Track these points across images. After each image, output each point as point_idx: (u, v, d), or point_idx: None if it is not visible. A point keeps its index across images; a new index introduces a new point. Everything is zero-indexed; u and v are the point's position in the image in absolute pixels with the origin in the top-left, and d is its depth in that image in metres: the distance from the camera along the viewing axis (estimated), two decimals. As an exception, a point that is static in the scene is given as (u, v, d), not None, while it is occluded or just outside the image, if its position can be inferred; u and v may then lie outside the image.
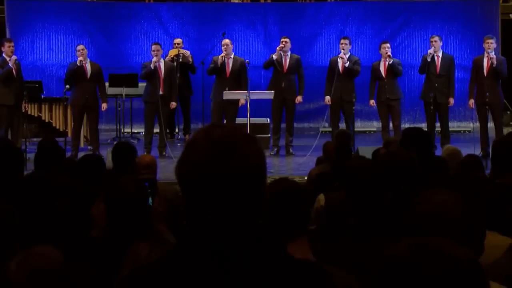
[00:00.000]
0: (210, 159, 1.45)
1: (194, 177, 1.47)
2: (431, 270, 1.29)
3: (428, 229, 1.84)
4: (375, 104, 11.06)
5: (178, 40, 12.46)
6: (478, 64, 10.55)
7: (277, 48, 10.98)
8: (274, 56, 10.93)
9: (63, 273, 2.34)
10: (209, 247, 1.47)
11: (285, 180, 2.71)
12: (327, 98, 10.96)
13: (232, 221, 1.47)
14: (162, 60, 11.04)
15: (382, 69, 10.93)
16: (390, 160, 3.81)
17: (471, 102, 10.56)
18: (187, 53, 12.18)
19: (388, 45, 11.04)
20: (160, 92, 10.81)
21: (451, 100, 10.82)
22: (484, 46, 10.56)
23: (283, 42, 10.98)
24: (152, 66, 10.76)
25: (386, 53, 10.84)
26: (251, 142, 1.51)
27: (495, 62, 10.29)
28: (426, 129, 10.56)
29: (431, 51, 10.90)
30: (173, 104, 11.06)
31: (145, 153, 10.70)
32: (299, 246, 2.44)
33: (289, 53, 11.06)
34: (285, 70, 10.99)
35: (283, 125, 11.22)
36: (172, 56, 11.86)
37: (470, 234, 1.92)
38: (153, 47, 11.01)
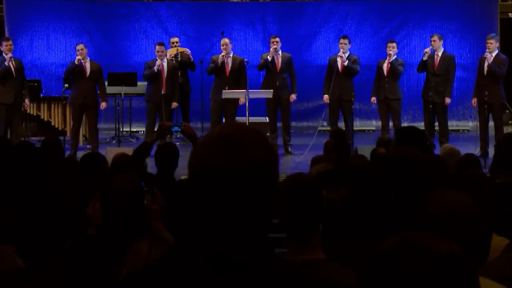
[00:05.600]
0: (215, 154, 1.46)
1: (199, 171, 1.48)
2: (412, 264, 1.31)
3: (443, 228, 1.84)
4: (375, 102, 11.09)
5: (175, 39, 12.43)
6: (481, 63, 10.56)
7: (271, 49, 10.99)
8: (269, 58, 10.95)
9: (24, 274, 2.34)
10: (206, 248, 1.47)
11: (300, 174, 2.68)
12: (325, 96, 10.98)
13: (233, 221, 1.46)
14: (165, 60, 11.04)
15: (385, 68, 10.95)
16: (399, 159, 3.78)
17: (474, 101, 10.55)
18: (188, 50, 12.18)
19: (393, 44, 11.04)
20: (162, 92, 10.82)
21: (447, 100, 10.81)
22: (486, 45, 10.60)
23: (275, 42, 11.01)
24: (155, 69, 10.78)
25: (391, 51, 10.87)
26: (259, 141, 1.50)
27: (489, 62, 10.29)
28: (424, 128, 10.59)
29: (427, 49, 10.92)
30: (174, 104, 11.08)
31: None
32: (311, 242, 2.44)
33: (280, 52, 11.09)
34: (278, 69, 11.04)
35: (279, 124, 11.25)
36: (172, 56, 11.83)
37: (482, 234, 1.92)
38: (157, 47, 10.99)
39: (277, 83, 10.94)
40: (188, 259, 1.49)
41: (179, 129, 4.71)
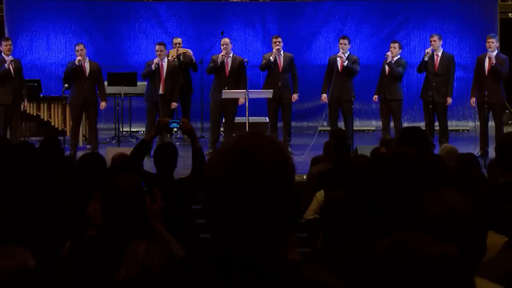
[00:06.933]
0: (229, 171, 1.46)
1: (213, 187, 1.49)
2: (405, 266, 1.32)
3: (441, 229, 1.84)
4: (377, 100, 11.10)
5: (178, 40, 12.43)
6: (480, 63, 10.55)
7: (274, 50, 10.99)
8: (271, 58, 10.95)
9: (32, 273, 2.34)
10: (219, 257, 1.49)
11: None
12: (324, 96, 10.98)
13: (246, 231, 1.47)
14: (165, 60, 11.03)
15: (386, 68, 10.95)
16: (397, 160, 3.78)
17: (473, 100, 10.54)
18: (190, 51, 12.19)
19: (395, 45, 11.01)
20: (161, 92, 10.81)
21: (449, 100, 10.81)
22: (486, 45, 10.58)
23: (277, 43, 11.01)
24: (153, 67, 10.78)
25: (390, 52, 10.87)
26: (275, 154, 1.50)
27: (493, 61, 10.29)
28: (425, 128, 10.58)
29: (428, 50, 10.91)
30: (174, 105, 11.05)
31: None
32: (289, 244, 2.42)
33: (282, 52, 11.09)
34: (280, 69, 11.04)
35: (280, 124, 11.24)
36: (173, 57, 11.84)
37: (479, 234, 1.92)
38: (157, 47, 10.99)
39: (279, 83, 10.95)
40: (202, 263, 1.51)
41: (178, 125, 4.71)
